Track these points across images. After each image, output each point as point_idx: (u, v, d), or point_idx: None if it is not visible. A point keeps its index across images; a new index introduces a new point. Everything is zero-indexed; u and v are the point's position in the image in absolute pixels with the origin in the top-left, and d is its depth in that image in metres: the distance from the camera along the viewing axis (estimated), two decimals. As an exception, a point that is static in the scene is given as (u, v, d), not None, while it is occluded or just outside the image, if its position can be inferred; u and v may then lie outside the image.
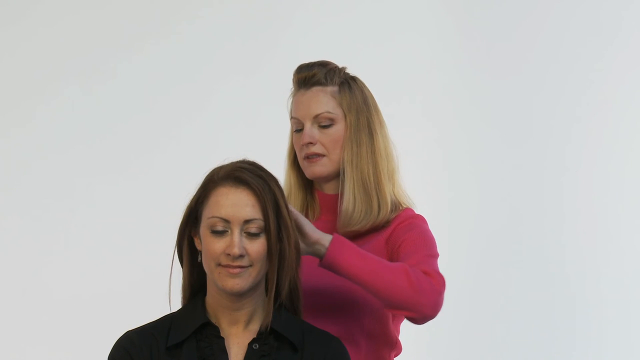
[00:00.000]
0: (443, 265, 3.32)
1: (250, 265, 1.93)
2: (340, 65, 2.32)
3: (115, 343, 1.98)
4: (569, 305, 3.68)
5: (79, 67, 3.68)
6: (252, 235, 1.93)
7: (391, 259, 2.23)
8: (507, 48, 3.73)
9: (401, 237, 2.22)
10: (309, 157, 2.27)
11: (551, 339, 3.66)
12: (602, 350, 3.67)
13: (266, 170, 1.98)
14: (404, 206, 2.30)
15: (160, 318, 2.02)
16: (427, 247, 2.21)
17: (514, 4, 3.74)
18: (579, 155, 3.71)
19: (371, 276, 2.08)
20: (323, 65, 2.29)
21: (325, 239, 2.08)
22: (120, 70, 3.68)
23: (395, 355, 2.33)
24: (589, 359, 3.65)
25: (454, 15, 3.74)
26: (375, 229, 2.25)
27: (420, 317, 2.11)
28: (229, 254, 1.91)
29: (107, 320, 3.11)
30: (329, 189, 2.31)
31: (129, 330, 1.99)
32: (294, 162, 2.34)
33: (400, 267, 2.10)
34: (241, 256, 1.91)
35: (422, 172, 3.63)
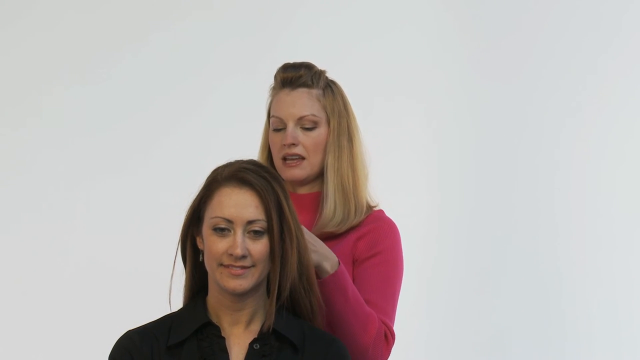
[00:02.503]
0: (436, 265, 3.32)
1: (253, 266, 1.93)
2: (320, 69, 2.32)
3: (116, 342, 1.97)
4: (562, 305, 3.69)
5: (77, 66, 3.66)
6: (255, 236, 1.93)
7: (355, 260, 2.24)
8: (506, 47, 3.73)
9: (373, 249, 2.23)
10: (288, 159, 2.27)
11: (544, 338, 3.67)
12: (592, 350, 3.68)
13: (270, 171, 1.98)
14: (373, 205, 2.32)
15: (161, 317, 2.02)
16: (394, 285, 2.23)
17: (513, 2, 3.74)
18: (578, 152, 3.72)
19: (342, 320, 2.12)
20: (309, 67, 2.29)
21: (333, 261, 2.12)
22: (118, 69, 3.67)
23: None
24: (580, 357, 3.66)
25: (453, 13, 3.74)
26: (348, 231, 2.26)
27: None
28: (231, 254, 1.91)
29: (108, 319, 3.10)
30: (301, 189, 2.32)
31: (129, 330, 1.99)
32: (267, 161, 2.34)
33: (371, 327, 2.14)
34: (244, 257, 1.92)
35: (417, 170, 3.63)
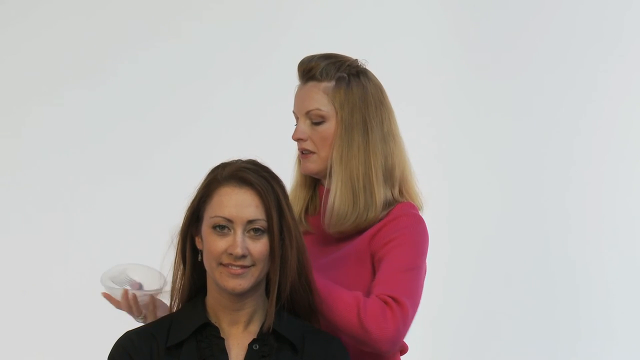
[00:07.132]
0: (444, 264, 3.30)
1: (253, 265, 1.93)
2: (351, 58, 2.27)
3: (115, 343, 1.97)
4: (574, 303, 3.70)
5: (79, 69, 3.68)
6: (254, 236, 1.93)
7: (374, 255, 2.18)
8: (506, 51, 3.75)
9: (389, 237, 2.17)
10: (303, 153, 2.25)
11: (555, 336, 3.67)
12: (606, 347, 3.68)
13: (270, 171, 1.98)
14: (402, 199, 2.24)
15: (161, 318, 2.03)
16: (406, 264, 2.14)
17: (513, 7, 3.74)
18: (578, 155, 3.74)
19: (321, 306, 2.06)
20: (325, 58, 2.25)
21: None
22: (121, 72, 3.68)
23: (402, 354, 2.32)
24: (593, 356, 3.66)
25: (453, 18, 3.75)
26: (364, 230, 2.20)
27: (375, 352, 2.09)
28: (231, 254, 1.91)
29: (107, 320, 3.10)
30: (328, 185, 2.28)
31: (128, 331, 1.99)
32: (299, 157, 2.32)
33: (351, 303, 2.06)
34: (243, 256, 1.91)
35: (419, 174, 3.63)
